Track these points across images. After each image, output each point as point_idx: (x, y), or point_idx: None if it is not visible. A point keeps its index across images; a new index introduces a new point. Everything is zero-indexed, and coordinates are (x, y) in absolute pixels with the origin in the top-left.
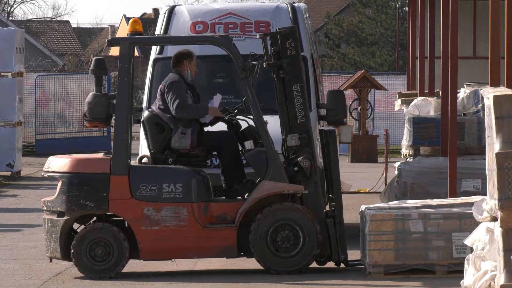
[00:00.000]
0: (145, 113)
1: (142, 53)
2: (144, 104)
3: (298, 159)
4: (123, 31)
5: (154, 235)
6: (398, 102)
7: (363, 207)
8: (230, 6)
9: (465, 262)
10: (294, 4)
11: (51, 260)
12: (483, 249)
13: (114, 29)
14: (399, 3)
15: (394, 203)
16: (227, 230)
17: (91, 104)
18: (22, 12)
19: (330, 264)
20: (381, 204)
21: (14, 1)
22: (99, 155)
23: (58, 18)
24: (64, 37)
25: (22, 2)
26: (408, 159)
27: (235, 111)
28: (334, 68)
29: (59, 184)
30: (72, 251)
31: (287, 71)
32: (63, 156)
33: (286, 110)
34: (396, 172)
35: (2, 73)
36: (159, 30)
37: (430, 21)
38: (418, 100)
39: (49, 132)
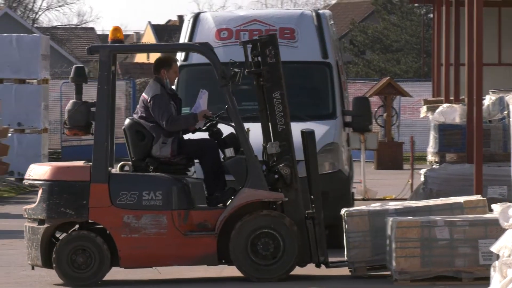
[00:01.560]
0: (126, 121)
1: None
2: None
3: (278, 166)
4: (148, 38)
5: (134, 243)
6: (423, 109)
7: (343, 211)
8: (255, 13)
9: (491, 269)
10: (319, 11)
11: (33, 268)
12: (509, 256)
13: (139, 36)
14: (424, 10)
15: (376, 205)
16: (207, 238)
17: (70, 112)
18: (47, 19)
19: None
20: (362, 207)
21: (39, 8)
22: (80, 163)
23: (83, 25)
24: (89, 44)
25: (47, 9)
26: (433, 166)
27: (217, 119)
28: (359, 75)
29: (40, 192)
30: (53, 259)
31: (267, 78)
32: (44, 164)
33: (266, 118)
34: (422, 179)
35: (27, 80)
36: (183, 37)
37: (455, 27)
38: (443, 107)
39: (74, 138)
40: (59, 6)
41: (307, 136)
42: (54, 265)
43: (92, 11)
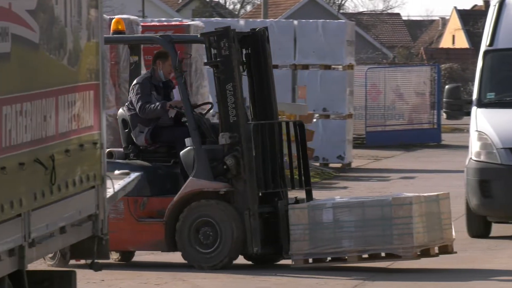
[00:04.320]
0: (119, 110)
1: (473, 45)
2: (474, 96)
3: (225, 157)
4: (454, 23)
5: None
6: None
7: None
8: None
9: None
10: None
11: None
12: None
13: (444, 21)
14: None
15: (317, 200)
16: (157, 225)
17: None
18: (353, 5)
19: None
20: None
21: None
22: None
23: (389, 11)
24: (395, 29)
25: None
26: None
27: (182, 109)
28: None
29: None
30: None
31: (221, 70)
32: None
33: (222, 109)
34: None
35: (332, 66)
36: (489, 22)
37: None
38: None
39: (379, 124)
40: None
41: (253, 128)
42: None
43: None
